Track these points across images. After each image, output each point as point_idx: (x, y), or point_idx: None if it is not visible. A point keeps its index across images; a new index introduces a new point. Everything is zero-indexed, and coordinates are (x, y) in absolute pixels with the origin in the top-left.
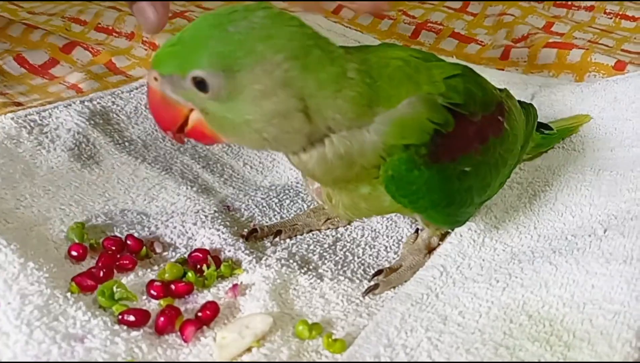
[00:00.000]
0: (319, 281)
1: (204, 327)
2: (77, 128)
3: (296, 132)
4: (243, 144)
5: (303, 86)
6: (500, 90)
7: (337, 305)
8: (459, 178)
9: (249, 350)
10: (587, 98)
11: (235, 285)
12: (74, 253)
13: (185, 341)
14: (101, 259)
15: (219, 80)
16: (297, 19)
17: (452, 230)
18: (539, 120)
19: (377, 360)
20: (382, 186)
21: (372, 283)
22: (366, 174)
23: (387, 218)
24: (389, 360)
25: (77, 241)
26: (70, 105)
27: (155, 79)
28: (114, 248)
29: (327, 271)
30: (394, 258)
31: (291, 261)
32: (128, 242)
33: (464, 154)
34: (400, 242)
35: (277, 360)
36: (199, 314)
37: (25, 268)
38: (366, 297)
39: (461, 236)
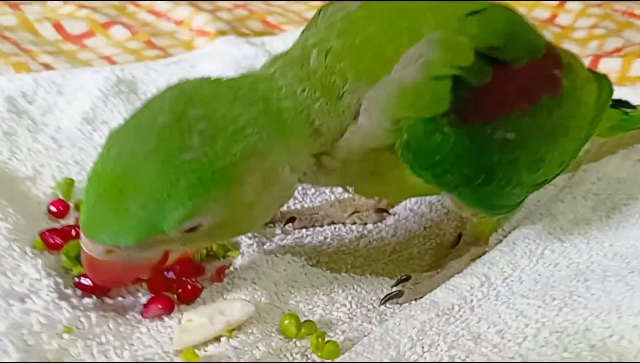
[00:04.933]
0: (325, 278)
1: (176, 307)
2: (98, 93)
3: (293, 188)
4: (242, 233)
5: (280, 158)
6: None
7: (343, 307)
8: (499, 147)
9: (216, 339)
10: None
11: (222, 267)
12: (53, 209)
13: (143, 315)
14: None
15: (215, 213)
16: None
17: (504, 237)
18: None
19: None
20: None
21: (396, 289)
22: (388, 159)
23: (427, 219)
24: None
25: (61, 197)
26: (98, 71)
27: (110, 251)
28: None
29: (341, 268)
30: (429, 265)
31: (299, 251)
32: None
33: (506, 114)
34: (439, 247)
35: (244, 358)
36: (176, 292)
37: (6, 218)
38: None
39: (514, 244)
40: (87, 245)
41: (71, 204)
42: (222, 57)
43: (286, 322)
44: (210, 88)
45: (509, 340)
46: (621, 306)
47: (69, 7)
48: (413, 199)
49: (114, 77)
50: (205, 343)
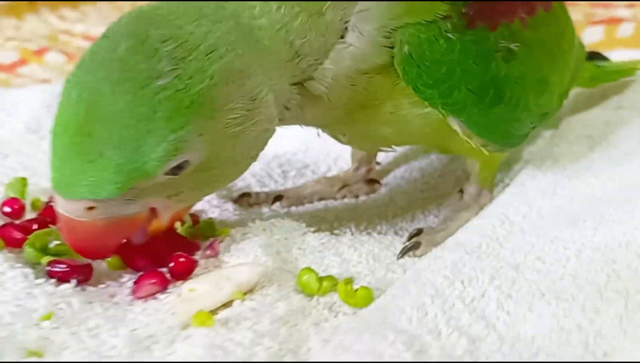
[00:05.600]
0: (333, 240)
1: (169, 283)
2: (40, 104)
3: (274, 124)
4: (230, 181)
5: (259, 81)
6: None
7: (360, 264)
8: (505, 59)
9: (226, 306)
10: None
11: (215, 240)
12: (7, 209)
13: (134, 295)
14: (44, 212)
15: (200, 148)
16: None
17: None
18: None
19: (422, 313)
20: (404, 89)
21: (412, 241)
22: (381, 84)
23: (424, 182)
24: (440, 312)
25: (13, 195)
26: (38, 89)
27: (91, 208)
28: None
29: (345, 232)
30: (434, 222)
31: (297, 220)
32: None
33: (508, 21)
34: (441, 207)
35: (266, 318)
36: (167, 268)
37: None
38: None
39: (523, 185)
40: (63, 206)
41: (26, 203)
42: None
43: (305, 277)
44: (171, 7)
45: (552, 264)
46: None
47: None
48: (403, 168)
49: (55, 90)
50: (214, 311)
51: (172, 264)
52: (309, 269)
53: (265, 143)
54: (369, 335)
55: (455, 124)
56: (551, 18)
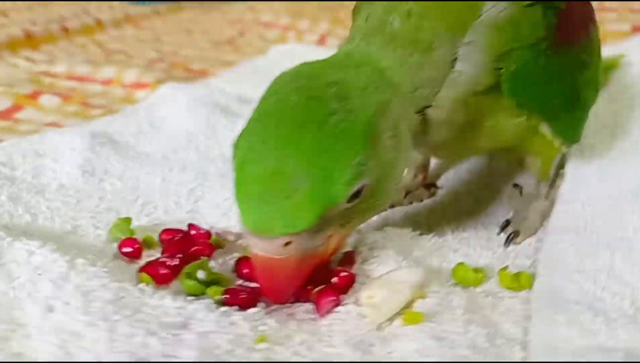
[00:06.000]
0: (440, 239)
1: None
2: (82, 147)
3: (409, 143)
4: (385, 204)
5: (400, 112)
6: None
7: (481, 256)
8: (581, 67)
9: (407, 306)
10: None
11: (349, 252)
12: (127, 250)
13: (319, 312)
14: (168, 248)
15: (372, 172)
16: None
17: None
18: None
19: (588, 282)
20: (505, 104)
21: (511, 230)
22: (487, 103)
23: (475, 182)
24: (592, 285)
25: (126, 236)
26: (63, 132)
27: (287, 244)
28: (178, 237)
29: (445, 230)
30: (502, 216)
31: (398, 223)
32: (192, 232)
33: (581, 36)
34: (500, 204)
35: (455, 304)
36: (330, 283)
37: (75, 266)
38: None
39: (580, 171)
40: (262, 247)
41: (141, 242)
42: (177, 99)
43: (460, 272)
44: (316, 65)
45: None
46: None
47: None
48: (451, 172)
49: (86, 132)
50: (400, 312)
51: (335, 279)
52: (462, 264)
53: (406, 168)
54: (554, 310)
55: (545, 129)
56: (596, 25)
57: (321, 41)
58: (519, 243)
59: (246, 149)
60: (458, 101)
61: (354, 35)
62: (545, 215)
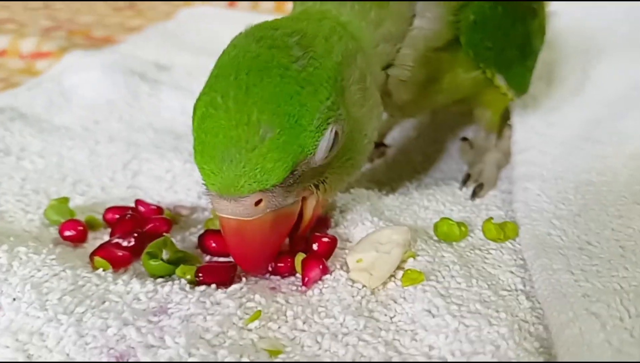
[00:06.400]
0: (407, 198)
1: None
2: None
3: (378, 98)
4: (360, 167)
5: (364, 65)
6: None
7: (453, 211)
8: (531, 16)
9: (399, 267)
10: None
11: (324, 218)
12: (69, 233)
13: (305, 285)
14: (119, 228)
15: (342, 119)
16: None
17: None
18: None
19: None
20: (463, 59)
21: (471, 187)
22: (446, 59)
23: (423, 137)
24: (575, 229)
25: (66, 218)
26: None
27: (258, 203)
28: (128, 215)
29: (407, 187)
30: (459, 170)
31: (358, 187)
32: (140, 208)
33: None
34: (451, 158)
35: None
36: (311, 250)
37: (16, 256)
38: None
39: (526, 122)
40: (230, 209)
41: (84, 224)
42: (92, 66)
43: (444, 227)
44: (275, 21)
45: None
46: None
47: None
48: (397, 130)
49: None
50: (394, 272)
51: (315, 245)
52: (445, 219)
53: (377, 127)
54: (549, 257)
55: (500, 80)
56: None
57: (231, 4)
58: (483, 196)
59: (206, 105)
60: (419, 58)
61: None
62: (500, 165)
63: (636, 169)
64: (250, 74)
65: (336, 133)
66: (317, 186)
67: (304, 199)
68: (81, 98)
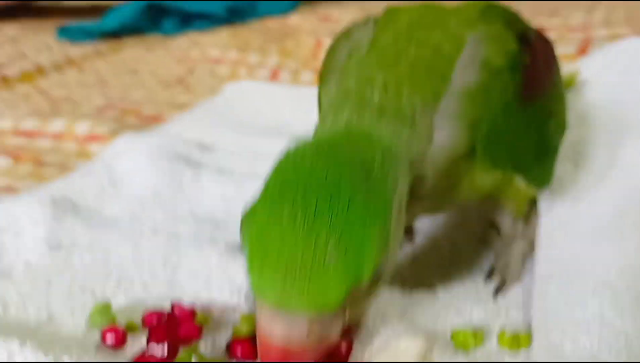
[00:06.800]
0: (432, 296)
1: None
2: (44, 218)
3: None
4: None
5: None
6: None
7: (474, 311)
8: (550, 115)
9: None
10: None
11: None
12: (110, 340)
13: None
14: (154, 334)
15: (387, 248)
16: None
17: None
18: None
19: (584, 336)
20: (481, 164)
21: (498, 280)
22: (464, 165)
23: (454, 225)
24: (587, 338)
25: (108, 325)
26: (18, 199)
27: (311, 326)
28: (163, 321)
29: (433, 282)
30: (482, 259)
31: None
32: (176, 311)
33: (547, 85)
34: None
35: None
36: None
37: None
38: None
39: (552, 211)
40: (280, 325)
41: (124, 329)
42: (137, 151)
43: (460, 337)
44: (327, 138)
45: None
46: None
47: None
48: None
49: (46, 198)
50: None
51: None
52: (460, 331)
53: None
54: None
55: (519, 181)
56: (557, 63)
57: (274, 76)
58: (507, 291)
59: (266, 218)
60: (439, 171)
61: (335, 109)
62: (525, 256)
63: None
64: (318, 199)
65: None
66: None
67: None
68: (129, 186)
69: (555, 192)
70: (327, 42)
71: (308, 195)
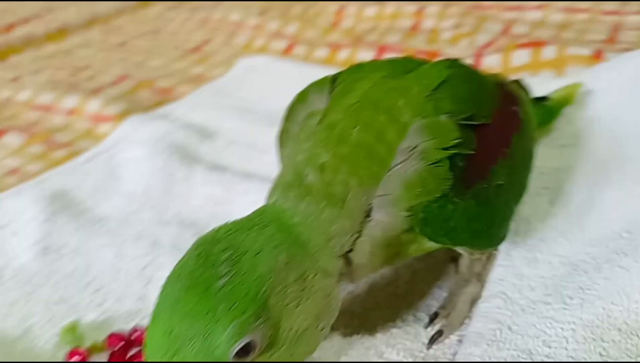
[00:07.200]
0: (371, 339)
1: None
2: (39, 218)
3: (335, 292)
4: (309, 354)
5: (306, 266)
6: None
7: (398, 356)
8: (495, 195)
9: None
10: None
11: None
12: (76, 360)
13: None
14: (112, 358)
15: (261, 331)
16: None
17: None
18: None
19: None
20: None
21: (433, 331)
22: (407, 238)
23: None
24: None
25: (74, 345)
26: (20, 192)
27: None
28: (121, 345)
29: (375, 325)
30: (440, 295)
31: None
32: (134, 338)
33: (494, 166)
34: (441, 274)
35: None
36: None
37: None
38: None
39: (510, 255)
40: None
41: (86, 350)
42: (139, 140)
43: None
44: (229, 226)
45: (556, 347)
46: (625, 288)
47: None
48: None
49: (42, 197)
50: None
51: None
52: None
53: (331, 314)
54: None
55: (460, 249)
56: (520, 135)
57: (288, 50)
58: (442, 341)
59: (157, 307)
60: (378, 244)
61: (274, 188)
62: (475, 300)
63: (580, 349)
64: (181, 290)
65: (251, 341)
66: None
67: None
68: (124, 181)
69: (518, 232)
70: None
71: (176, 286)
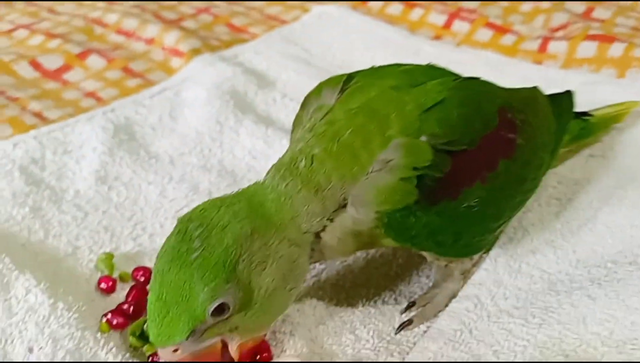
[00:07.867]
0: (350, 314)
1: None
2: (102, 148)
3: (301, 259)
4: (281, 311)
5: (269, 235)
6: (529, 88)
7: (367, 343)
8: (466, 214)
9: None
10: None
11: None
12: (103, 286)
13: None
14: (131, 293)
15: (232, 292)
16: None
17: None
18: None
19: None
20: None
21: (405, 318)
22: (377, 232)
23: None
24: None
25: (106, 273)
26: (92, 118)
27: (175, 350)
28: (143, 279)
29: (358, 302)
30: (426, 284)
31: (320, 293)
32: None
33: (467, 189)
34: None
35: None
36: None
37: (55, 310)
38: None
39: (496, 261)
40: (159, 352)
41: (116, 278)
42: (203, 81)
43: None
44: (202, 206)
45: (504, 360)
46: (586, 318)
47: (38, 38)
48: None
49: (110, 126)
50: None
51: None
52: None
53: (297, 278)
54: None
55: (426, 254)
56: (513, 160)
57: (364, 1)
58: (411, 329)
59: (153, 276)
60: (347, 232)
61: (273, 166)
62: (453, 297)
63: (539, 360)
64: (166, 264)
65: (224, 302)
66: (231, 331)
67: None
68: (181, 122)
69: (515, 237)
70: None
71: (161, 259)
